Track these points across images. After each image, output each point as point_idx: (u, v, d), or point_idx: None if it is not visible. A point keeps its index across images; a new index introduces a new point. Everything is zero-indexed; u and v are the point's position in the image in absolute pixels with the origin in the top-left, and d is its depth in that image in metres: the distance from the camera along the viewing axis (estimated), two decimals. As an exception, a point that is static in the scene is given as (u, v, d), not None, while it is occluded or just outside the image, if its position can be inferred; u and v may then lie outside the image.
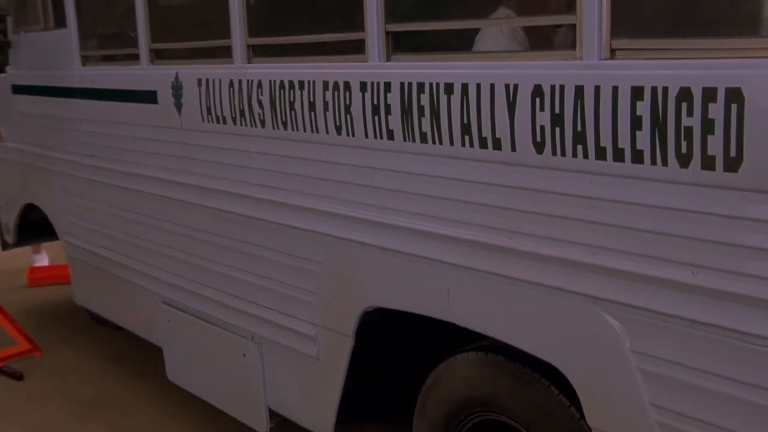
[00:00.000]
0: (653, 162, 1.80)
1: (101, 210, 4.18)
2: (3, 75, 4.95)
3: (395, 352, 2.99)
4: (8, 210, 5.28)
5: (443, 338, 2.59)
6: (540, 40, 2.35)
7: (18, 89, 4.78)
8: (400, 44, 2.45)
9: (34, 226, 5.16)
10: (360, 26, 2.48)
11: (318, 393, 2.98)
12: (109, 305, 4.49)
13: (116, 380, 4.45)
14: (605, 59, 1.89)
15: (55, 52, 4.26)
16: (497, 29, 2.43)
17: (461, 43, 2.46)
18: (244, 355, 3.30)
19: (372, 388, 3.10)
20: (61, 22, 4.19)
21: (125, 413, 4.05)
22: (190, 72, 3.26)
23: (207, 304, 3.46)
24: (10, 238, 5.42)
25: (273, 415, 3.27)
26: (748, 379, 1.74)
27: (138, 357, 4.52)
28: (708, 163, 1.71)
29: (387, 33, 2.43)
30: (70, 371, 4.61)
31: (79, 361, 4.75)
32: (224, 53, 3.05)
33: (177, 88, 3.33)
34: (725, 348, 1.77)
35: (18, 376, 4.54)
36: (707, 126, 1.69)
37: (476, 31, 2.43)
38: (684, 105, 1.73)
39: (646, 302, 1.88)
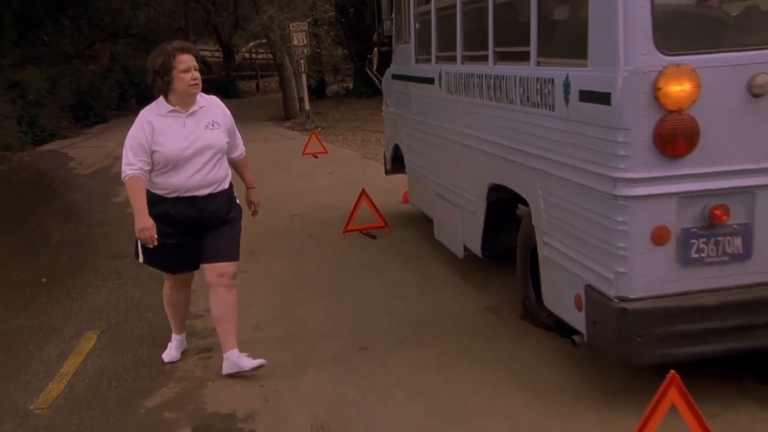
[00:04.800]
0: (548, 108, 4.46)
1: (419, 144, 7.48)
2: (389, 69, 8.56)
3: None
4: (388, 148, 8.91)
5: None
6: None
7: (393, 77, 8.33)
8: (503, 57, 5.27)
9: (400, 162, 8.68)
10: (485, 47, 5.35)
11: (475, 231, 5.89)
12: (419, 200, 7.83)
13: (413, 244, 7.79)
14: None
15: (406, 56, 7.66)
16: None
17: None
18: (456, 217, 6.33)
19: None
20: (408, 40, 7.57)
21: (398, 269, 7.33)
22: (444, 68, 6.37)
23: (446, 191, 6.55)
24: (389, 167, 9.06)
25: (465, 249, 6.25)
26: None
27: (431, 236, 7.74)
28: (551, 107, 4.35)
29: (495, 52, 5.27)
30: (400, 240, 8.04)
31: (407, 237, 8.15)
32: (453, 59, 6.11)
33: (440, 76, 6.45)
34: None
35: (375, 237, 8.11)
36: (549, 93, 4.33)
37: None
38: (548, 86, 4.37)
39: (540, 167, 4.54)
